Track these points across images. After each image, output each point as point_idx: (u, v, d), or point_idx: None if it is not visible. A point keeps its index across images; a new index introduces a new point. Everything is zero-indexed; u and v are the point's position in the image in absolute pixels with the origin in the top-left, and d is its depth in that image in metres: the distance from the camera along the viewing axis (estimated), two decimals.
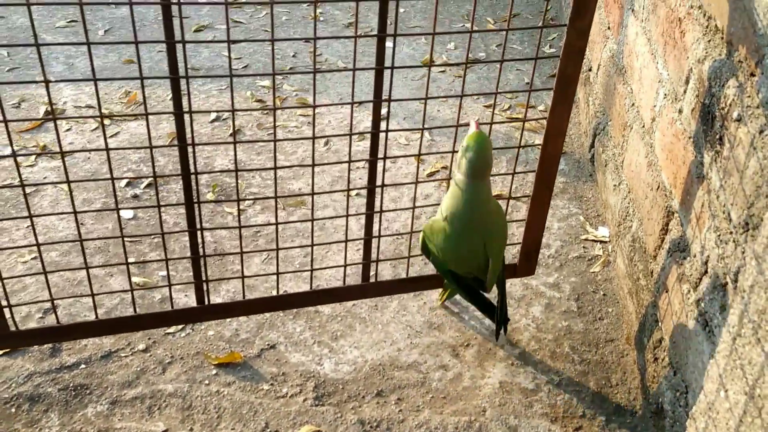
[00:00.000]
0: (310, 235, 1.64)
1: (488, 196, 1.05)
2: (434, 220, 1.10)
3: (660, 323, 1.16)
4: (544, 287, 1.46)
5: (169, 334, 1.36)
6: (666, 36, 1.23)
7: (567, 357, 1.31)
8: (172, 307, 1.18)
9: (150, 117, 2.13)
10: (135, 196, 1.79)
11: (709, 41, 1.02)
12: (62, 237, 1.64)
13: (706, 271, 0.97)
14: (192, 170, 0.98)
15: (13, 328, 1.09)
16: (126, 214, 1.73)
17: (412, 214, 1.23)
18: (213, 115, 2.14)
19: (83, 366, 1.28)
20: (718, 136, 0.95)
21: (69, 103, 2.21)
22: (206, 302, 1.17)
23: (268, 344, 1.34)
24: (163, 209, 1.73)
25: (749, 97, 0.86)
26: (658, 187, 1.23)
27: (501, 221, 1.11)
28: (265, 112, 2.15)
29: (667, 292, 1.13)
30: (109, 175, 1.84)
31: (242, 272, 1.16)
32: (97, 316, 1.12)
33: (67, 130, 2.08)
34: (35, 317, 1.40)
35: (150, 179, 1.84)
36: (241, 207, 1.74)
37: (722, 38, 0.97)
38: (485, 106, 2.18)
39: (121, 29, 2.71)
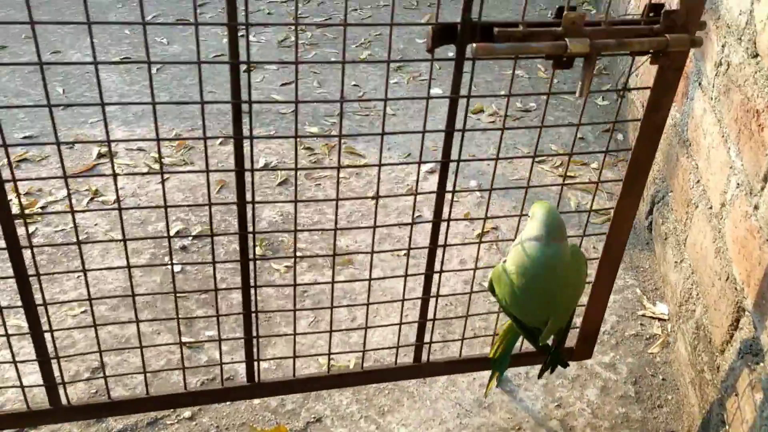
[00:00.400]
0: (365, 300, 1.61)
1: (561, 257, 0.98)
2: (505, 267, 1.03)
3: (727, 427, 1.10)
4: (599, 367, 1.41)
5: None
6: (740, 124, 1.18)
7: None
8: (222, 378, 1.17)
9: (200, 164, 2.15)
10: (183, 248, 1.79)
11: None
12: (111, 289, 1.64)
13: None
14: (249, 229, 0.96)
15: (64, 402, 1.08)
16: (175, 268, 1.73)
17: (472, 282, 1.20)
18: (261, 162, 2.14)
19: None
20: None
21: (121, 145, 2.23)
22: (257, 380, 1.15)
23: (314, 417, 1.32)
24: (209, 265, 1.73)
25: None
26: (728, 278, 1.18)
27: (574, 282, 1.04)
28: (314, 160, 2.15)
29: (737, 395, 1.07)
30: (159, 225, 1.85)
31: (294, 351, 1.14)
32: (147, 388, 1.11)
33: (118, 174, 2.09)
34: (84, 375, 1.39)
35: (199, 231, 1.84)
36: (288, 264, 1.73)
37: None
38: (537, 162, 2.14)
39: (173, 68, 2.74)
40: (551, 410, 1.32)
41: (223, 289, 1.20)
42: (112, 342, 1.49)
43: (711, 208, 1.31)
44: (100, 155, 2.19)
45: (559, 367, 1.18)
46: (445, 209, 1.07)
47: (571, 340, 1.23)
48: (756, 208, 1.08)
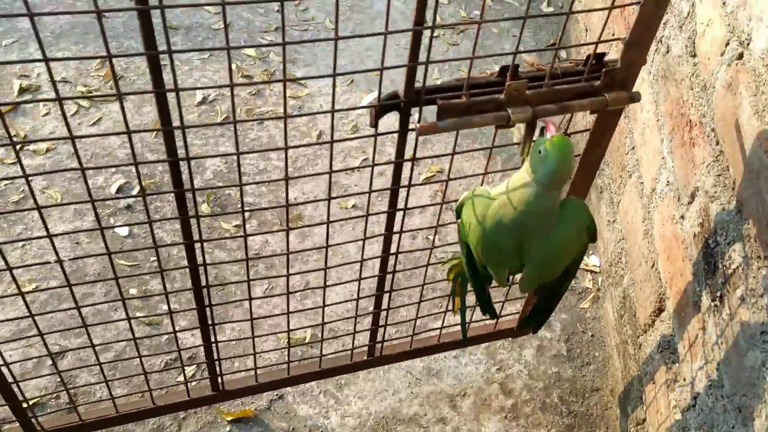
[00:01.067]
0: (317, 260, 1.66)
1: (551, 208, 0.89)
2: (483, 191, 0.93)
3: (645, 407, 1.25)
4: None
5: (181, 384, 1.43)
6: (674, 122, 1.21)
7: (556, 409, 1.41)
8: (183, 363, 1.24)
9: (132, 99, 2.05)
10: (128, 207, 1.77)
11: (719, 176, 1.02)
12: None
13: (694, 405, 1.04)
14: (187, 186, 0.86)
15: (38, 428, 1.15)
16: (121, 231, 1.73)
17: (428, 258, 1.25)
18: (199, 96, 2.06)
19: None
20: (719, 294, 0.99)
21: (43, 76, 2.10)
22: (221, 388, 1.23)
23: (277, 395, 1.42)
24: (159, 225, 1.73)
25: (754, 278, 0.89)
26: (653, 265, 1.27)
27: (568, 241, 0.93)
28: (253, 92, 2.08)
29: (654, 383, 1.21)
30: (99, 179, 1.79)
31: (254, 363, 1.20)
32: (109, 391, 1.18)
33: (46, 114, 1.99)
34: (46, 361, 1.44)
35: (145, 182, 1.81)
36: (237, 223, 1.74)
37: (733, 189, 0.97)
38: None
39: None
40: (493, 374, 1.46)
41: (167, 245, 1.23)
42: (69, 322, 1.53)
43: (643, 184, 1.37)
44: (22, 90, 2.06)
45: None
46: (414, 154, 1.03)
47: (512, 321, 1.33)
48: (682, 218, 1.15)
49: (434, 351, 1.34)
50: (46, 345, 1.02)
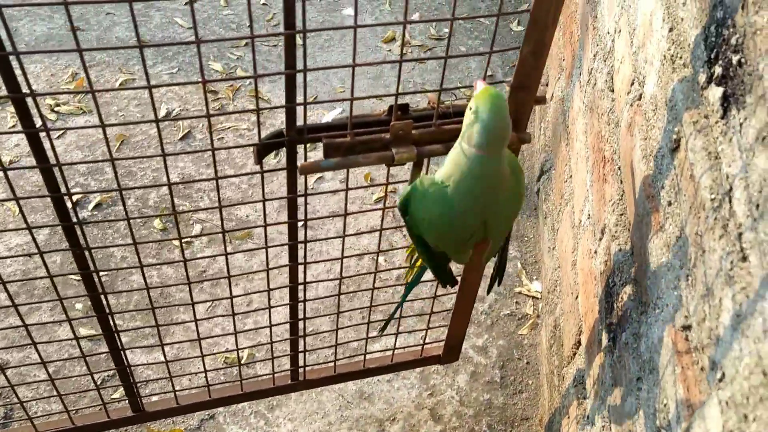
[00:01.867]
0: (261, 278, 1.67)
1: (501, 170, 0.82)
2: (430, 183, 0.86)
3: None
4: (472, 351, 1.54)
5: (114, 402, 1.44)
6: (595, 155, 1.21)
7: None
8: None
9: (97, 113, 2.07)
10: (82, 221, 1.80)
11: (621, 215, 1.02)
12: (10, 273, 1.67)
13: None
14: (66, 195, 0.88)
15: None
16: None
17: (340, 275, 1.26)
18: (163, 111, 2.09)
19: None
20: (612, 335, 0.99)
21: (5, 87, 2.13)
22: (142, 410, 1.25)
23: (208, 414, 1.43)
24: (112, 240, 1.75)
25: (637, 323, 0.89)
26: (576, 297, 1.27)
27: (514, 198, 0.89)
28: (218, 108, 2.10)
29: (569, 417, 1.21)
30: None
31: (172, 386, 1.22)
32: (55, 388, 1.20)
33: (13, 126, 2.03)
34: None
35: (99, 200, 1.84)
36: (188, 240, 1.76)
37: (629, 230, 0.97)
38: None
39: None
40: (424, 399, 1.46)
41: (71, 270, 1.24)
42: (14, 336, 1.55)
43: (574, 218, 1.36)
44: None
45: None
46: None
47: (439, 348, 1.33)
48: (596, 253, 1.15)
49: (360, 376, 1.35)
50: None
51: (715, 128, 0.68)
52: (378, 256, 1.17)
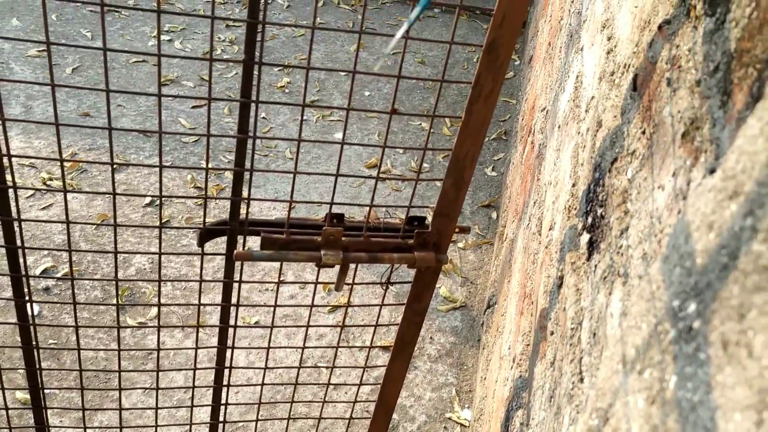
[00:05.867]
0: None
1: None
2: None
3: None
4: None
5: None
6: (521, 291, 1.31)
7: None
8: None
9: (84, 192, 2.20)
10: (46, 289, 1.87)
11: (527, 345, 1.10)
12: None
13: None
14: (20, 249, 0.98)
15: None
16: (34, 309, 1.81)
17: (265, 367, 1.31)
18: (147, 199, 2.21)
19: None
20: None
21: (14, 159, 2.28)
22: None
23: None
24: (67, 309, 1.82)
25: None
26: (491, 425, 1.32)
27: None
28: (199, 203, 2.23)
29: None
30: (30, 258, 1.91)
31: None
32: None
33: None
34: None
35: (65, 272, 1.92)
36: (142, 320, 1.83)
37: (529, 360, 1.05)
38: None
39: (90, 69, 2.76)
40: None
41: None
42: None
43: (503, 346, 1.44)
44: None
45: None
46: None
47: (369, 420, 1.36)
48: (506, 380, 1.22)
49: None
50: None
51: (582, 268, 0.79)
52: (303, 351, 1.24)
